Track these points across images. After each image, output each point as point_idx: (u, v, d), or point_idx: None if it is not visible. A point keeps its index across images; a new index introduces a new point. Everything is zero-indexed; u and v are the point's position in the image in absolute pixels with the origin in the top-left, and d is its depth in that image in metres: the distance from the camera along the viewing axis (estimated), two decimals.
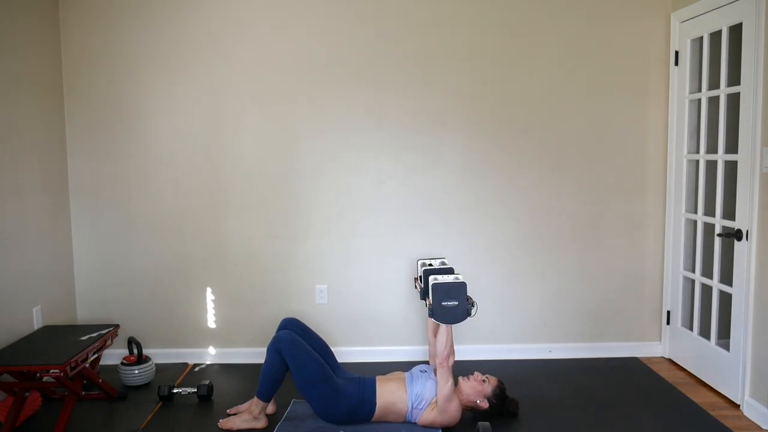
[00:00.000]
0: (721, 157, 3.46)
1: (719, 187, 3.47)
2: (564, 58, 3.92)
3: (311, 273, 4.00)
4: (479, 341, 4.07)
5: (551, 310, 4.07)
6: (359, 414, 2.99)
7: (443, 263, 3.43)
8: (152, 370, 3.66)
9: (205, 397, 3.40)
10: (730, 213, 3.61)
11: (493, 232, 4.00)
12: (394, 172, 3.95)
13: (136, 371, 3.58)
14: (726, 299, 3.58)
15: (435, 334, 3.22)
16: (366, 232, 3.98)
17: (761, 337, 3.10)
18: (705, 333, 3.77)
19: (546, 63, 3.91)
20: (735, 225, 3.28)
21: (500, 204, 3.99)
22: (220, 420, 3.10)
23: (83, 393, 3.41)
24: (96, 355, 3.30)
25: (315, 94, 3.89)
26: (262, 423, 3.06)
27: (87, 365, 3.13)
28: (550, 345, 4.09)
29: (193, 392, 3.43)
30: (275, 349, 2.97)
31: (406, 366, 3.89)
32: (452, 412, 2.98)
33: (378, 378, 3.12)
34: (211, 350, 4.05)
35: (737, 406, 3.30)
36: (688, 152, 3.81)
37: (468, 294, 2.88)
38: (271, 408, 3.23)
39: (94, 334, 3.26)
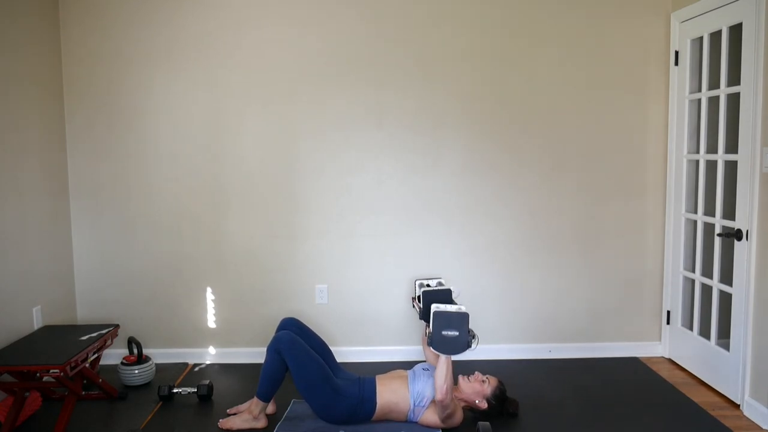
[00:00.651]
0: (721, 157, 3.46)
1: (719, 187, 3.47)
2: (564, 58, 3.92)
3: (311, 273, 4.00)
4: (479, 341, 4.07)
5: (551, 310, 4.07)
6: (359, 414, 2.99)
7: (440, 283, 3.41)
8: (152, 370, 3.66)
9: (205, 397, 3.40)
10: (730, 213, 3.61)
11: (493, 232, 4.00)
12: (394, 172, 3.95)
13: (136, 371, 3.58)
14: (726, 299, 3.58)
15: (428, 344, 3.15)
16: (366, 232, 3.98)
17: (761, 337, 3.10)
18: (705, 333, 3.77)
19: (546, 63, 3.91)
20: (735, 225, 3.28)
21: (500, 204, 3.99)
22: (220, 420, 3.10)
23: (83, 393, 3.41)
24: (96, 355, 3.30)
25: (315, 93, 3.89)
26: (262, 423, 3.06)
27: (87, 365, 3.13)
28: (550, 345, 4.09)
29: (193, 392, 3.43)
30: (275, 349, 2.97)
31: (406, 366, 3.89)
32: (454, 422, 2.99)
33: (378, 377, 3.12)
34: (211, 350, 4.05)
35: (737, 406, 3.30)
36: (688, 152, 3.81)
37: (470, 326, 2.81)
38: (271, 408, 3.23)
39: (94, 334, 3.26)
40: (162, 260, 3.97)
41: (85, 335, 3.24)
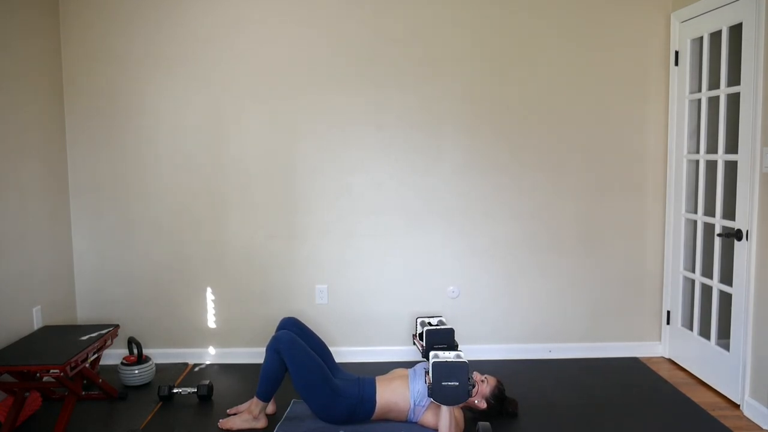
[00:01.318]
0: (721, 157, 3.46)
1: (719, 187, 3.47)
2: (564, 58, 3.92)
3: (311, 273, 4.00)
4: (479, 341, 4.07)
5: (551, 310, 4.07)
6: (359, 413, 2.99)
7: (441, 322, 3.43)
8: (152, 370, 3.66)
9: (205, 397, 3.40)
10: (730, 213, 3.61)
11: (493, 232, 4.00)
12: (394, 172, 3.95)
13: (136, 371, 3.58)
14: (726, 299, 3.58)
15: (428, 395, 3.09)
16: (366, 232, 3.98)
17: (761, 337, 3.09)
18: (705, 333, 3.76)
19: (546, 63, 3.91)
20: (735, 225, 3.28)
21: (500, 204, 3.99)
22: (220, 420, 3.10)
23: (83, 393, 3.41)
24: (96, 355, 3.30)
25: (315, 93, 3.89)
26: (262, 423, 3.06)
27: (87, 365, 3.13)
28: (550, 345, 4.09)
29: (193, 392, 3.43)
30: (274, 349, 2.97)
31: (406, 366, 3.89)
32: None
33: (378, 377, 3.12)
34: (211, 350, 4.05)
35: (737, 406, 3.30)
36: (688, 152, 3.81)
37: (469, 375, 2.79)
38: (270, 408, 3.23)
39: (94, 334, 3.26)
40: (162, 260, 3.97)
41: (85, 335, 3.24)
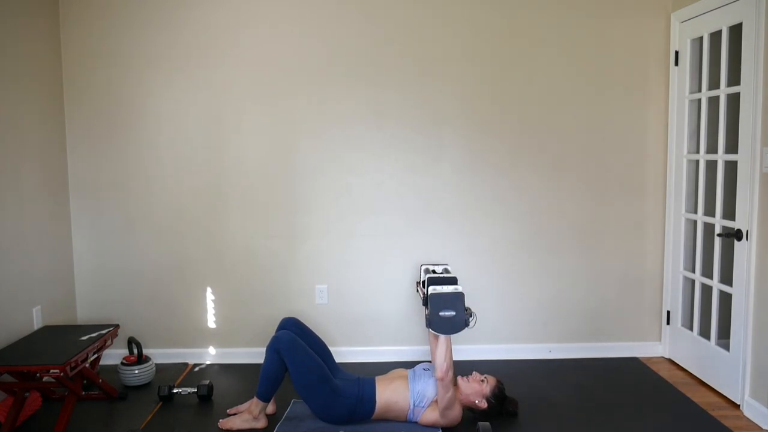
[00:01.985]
0: (721, 157, 3.46)
1: (719, 187, 3.47)
2: (564, 58, 3.92)
3: (311, 273, 4.00)
4: (479, 341, 4.07)
5: (551, 310, 4.07)
6: (358, 413, 2.99)
7: (446, 270, 3.41)
8: (152, 370, 3.66)
9: (205, 397, 3.40)
10: (730, 213, 3.61)
11: (493, 231, 4.00)
12: (394, 172, 3.95)
13: (136, 371, 3.58)
14: (726, 299, 3.58)
15: (436, 345, 3.18)
16: (366, 232, 3.98)
17: (761, 337, 3.09)
18: (705, 333, 3.77)
19: (546, 63, 3.91)
20: (735, 225, 3.28)
21: (500, 204, 3.99)
22: (220, 420, 3.10)
23: (83, 393, 3.41)
24: (96, 355, 3.30)
25: (315, 93, 3.89)
26: (262, 423, 3.06)
27: (87, 365, 3.13)
28: (550, 345, 4.09)
29: (193, 392, 3.43)
30: (274, 349, 2.97)
31: (406, 366, 3.89)
32: (454, 416, 2.99)
33: (378, 377, 3.12)
34: (211, 350, 4.05)
35: (737, 406, 3.30)
36: (688, 152, 3.81)
37: (467, 305, 2.84)
38: (271, 408, 3.23)
39: (94, 334, 3.26)
40: (162, 260, 3.97)
41: (85, 335, 3.24)
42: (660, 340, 4.11)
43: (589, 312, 4.08)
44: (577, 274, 4.05)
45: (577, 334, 4.09)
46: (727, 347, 3.42)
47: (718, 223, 3.48)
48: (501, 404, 3.12)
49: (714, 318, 3.53)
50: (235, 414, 3.20)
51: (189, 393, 3.44)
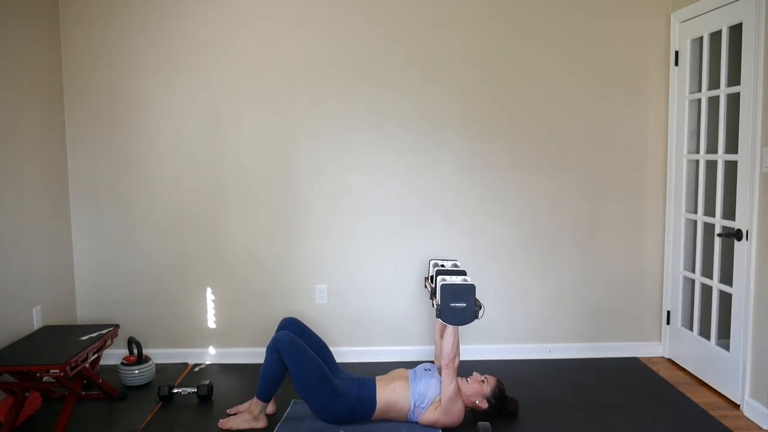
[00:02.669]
0: (721, 157, 3.46)
1: (719, 187, 3.47)
2: (564, 58, 3.92)
3: (311, 273, 4.00)
4: (479, 341, 4.07)
5: (551, 310, 4.07)
6: (359, 413, 2.99)
7: (455, 265, 3.41)
8: (152, 370, 3.66)
9: (205, 397, 3.40)
10: (730, 213, 3.61)
11: (493, 232, 4.00)
12: (394, 172, 3.95)
13: (136, 371, 3.58)
14: (726, 299, 3.58)
15: (442, 335, 3.22)
16: (366, 232, 3.98)
17: (761, 337, 3.09)
18: (705, 333, 3.77)
19: (546, 63, 3.91)
20: (735, 225, 3.28)
21: (500, 204, 3.99)
22: (220, 420, 3.10)
23: (83, 393, 3.41)
24: (96, 355, 3.30)
25: (315, 94, 3.89)
26: (262, 423, 3.06)
27: (87, 365, 3.13)
28: (550, 345, 4.09)
29: (193, 392, 3.43)
30: (274, 349, 2.96)
31: (406, 366, 3.89)
32: (456, 413, 2.98)
33: (378, 377, 3.12)
34: (211, 350, 4.05)
35: (737, 406, 3.30)
36: (688, 152, 3.81)
37: (476, 297, 2.87)
38: (271, 408, 3.23)
39: (94, 334, 3.26)
40: (162, 260, 3.97)
41: (85, 335, 3.24)
42: (660, 340, 4.11)
43: (589, 312, 4.08)
44: (577, 274, 4.05)
45: (577, 334, 4.09)
46: (727, 347, 3.42)
47: (718, 223, 3.48)
48: (501, 404, 3.12)
49: (714, 318, 3.53)
50: (235, 414, 3.20)
51: (189, 393, 3.44)
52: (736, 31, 3.38)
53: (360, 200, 3.96)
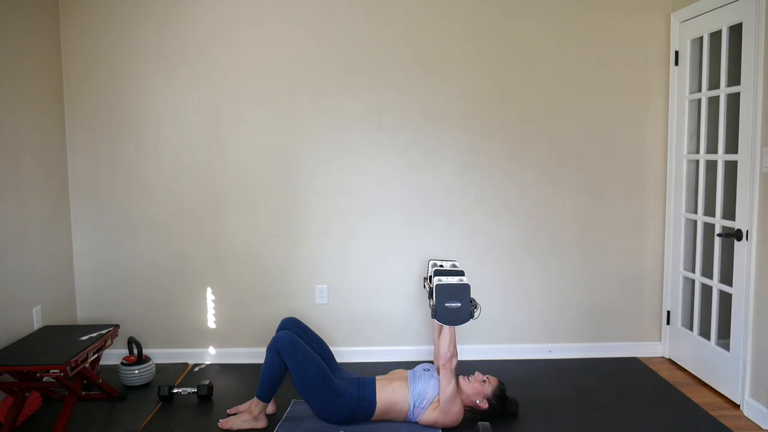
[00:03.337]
0: (721, 157, 3.46)
1: (719, 187, 3.47)
2: (564, 58, 3.92)
3: (311, 273, 4.00)
4: (479, 341, 4.07)
5: (551, 310, 4.07)
6: (359, 413, 2.99)
7: (454, 266, 3.40)
8: (152, 370, 3.66)
9: (205, 397, 3.40)
10: (730, 213, 3.61)
11: (493, 232, 4.00)
12: (394, 172, 3.95)
13: (136, 371, 3.58)
14: (726, 299, 3.58)
15: (440, 335, 3.21)
16: (366, 232, 3.98)
17: (761, 337, 3.10)
18: (705, 333, 3.77)
19: (546, 63, 3.91)
20: (735, 225, 3.28)
21: (500, 204, 3.99)
22: (220, 420, 3.10)
23: (83, 393, 3.41)
24: (96, 355, 3.30)
25: (315, 93, 3.89)
26: (262, 423, 3.06)
27: (87, 365, 3.13)
28: (550, 345, 4.09)
29: (193, 392, 3.43)
30: (275, 349, 2.96)
31: (406, 366, 3.89)
32: (454, 413, 2.98)
33: (378, 377, 3.13)
34: (211, 350, 4.05)
35: (737, 406, 3.30)
36: (688, 152, 3.81)
37: (472, 296, 2.85)
38: (271, 408, 3.23)
39: (94, 334, 3.26)
40: (162, 260, 3.97)
41: (85, 335, 3.24)
42: (660, 340, 4.11)
43: (590, 312, 4.08)
44: (578, 274, 4.05)
45: (578, 334, 4.09)
46: (727, 347, 3.43)
47: (718, 223, 3.48)
48: (502, 405, 3.12)
49: (714, 318, 3.53)
50: (235, 414, 3.20)
51: (189, 393, 3.44)
52: (736, 31, 3.38)
53: (360, 200, 3.96)
